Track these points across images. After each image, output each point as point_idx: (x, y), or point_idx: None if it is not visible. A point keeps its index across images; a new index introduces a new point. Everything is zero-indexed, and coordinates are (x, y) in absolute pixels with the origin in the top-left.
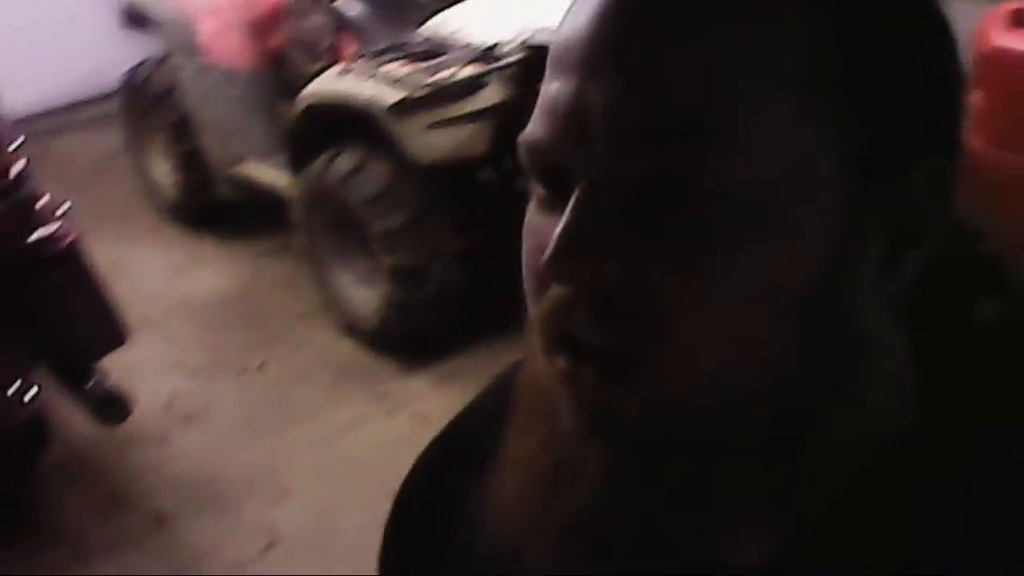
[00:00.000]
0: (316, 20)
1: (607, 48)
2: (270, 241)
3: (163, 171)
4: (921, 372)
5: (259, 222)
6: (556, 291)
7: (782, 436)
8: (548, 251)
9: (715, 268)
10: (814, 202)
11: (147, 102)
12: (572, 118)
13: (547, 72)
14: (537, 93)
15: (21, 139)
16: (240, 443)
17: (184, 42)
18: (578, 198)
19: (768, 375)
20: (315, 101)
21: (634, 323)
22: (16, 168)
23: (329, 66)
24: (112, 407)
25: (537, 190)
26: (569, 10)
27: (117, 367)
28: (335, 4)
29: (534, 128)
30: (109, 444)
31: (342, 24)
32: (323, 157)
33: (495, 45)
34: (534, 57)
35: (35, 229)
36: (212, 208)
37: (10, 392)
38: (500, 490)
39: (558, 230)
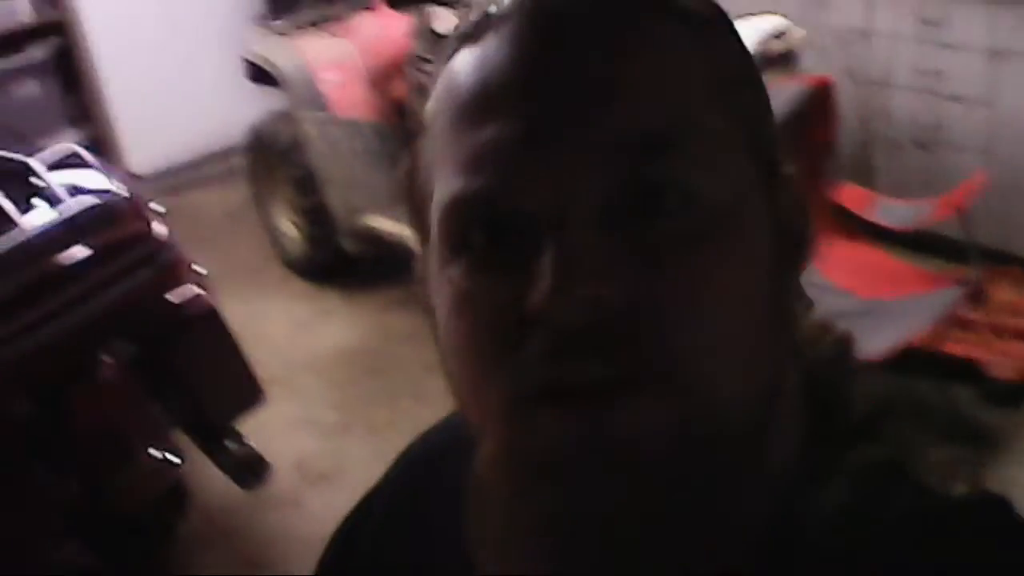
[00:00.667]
0: (438, 70)
1: (552, 77)
2: (394, 293)
3: (288, 225)
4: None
5: (383, 274)
6: (544, 335)
7: (759, 439)
8: (545, 287)
9: (707, 272)
10: (753, 210)
11: (272, 157)
12: (526, 153)
13: (456, 128)
14: None
15: (162, 203)
16: None
17: (307, 96)
18: (558, 229)
19: (753, 379)
20: None
21: (639, 345)
22: (160, 231)
23: None
24: (250, 470)
25: (467, 256)
26: (456, 67)
27: (246, 427)
28: None
29: (469, 181)
30: (243, 508)
31: None
32: None
33: None
34: None
35: (176, 290)
36: (337, 261)
37: (155, 456)
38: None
39: (549, 263)
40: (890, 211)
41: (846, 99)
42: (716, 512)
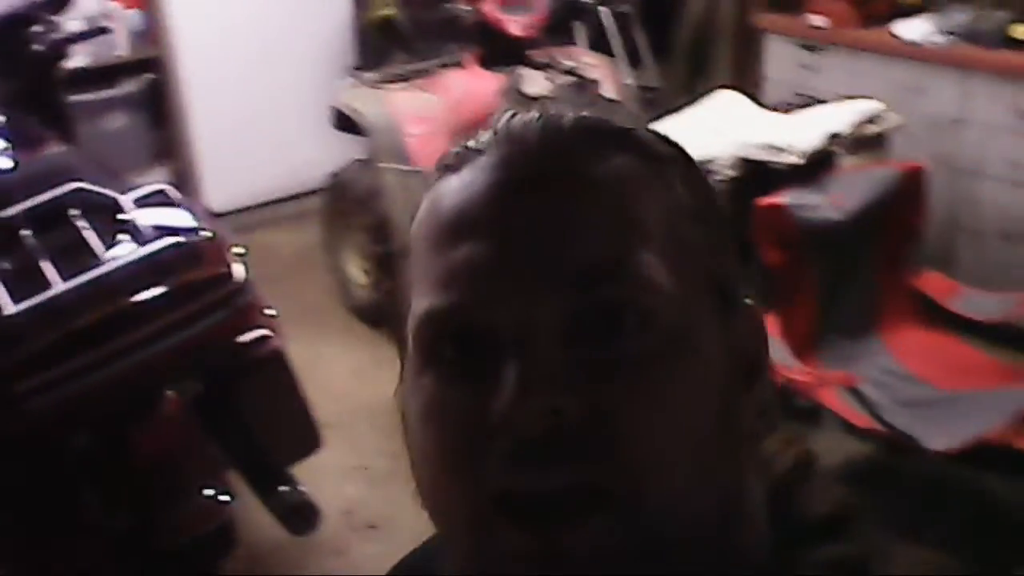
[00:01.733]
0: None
1: (521, 205)
2: None
3: (357, 271)
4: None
5: None
6: (505, 444)
7: (715, 549)
8: (508, 397)
9: (661, 389)
10: (708, 333)
11: (349, 203)
12: (494, 274)
13: (434, 248)
14: (750, 207)
15: (244, 247)
16: None
17: (390, 146)
18: (521, 345)
19: (708, 492)
20: None
21: (598, 454)
22: (239, 274)
23: None
24: (302, 516)
25: (438, 368)
26: (439, 193)
27: (298, 471)
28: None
29: (441, 298)
30: (289, 552)
31: None
32: None
33: (709, 160)
34: (748, 172)
35: (247, 332)
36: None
37: (207, 494)
38: None
39: (512, 376)
40: (973, 302)
41: (935, 187)
42: None
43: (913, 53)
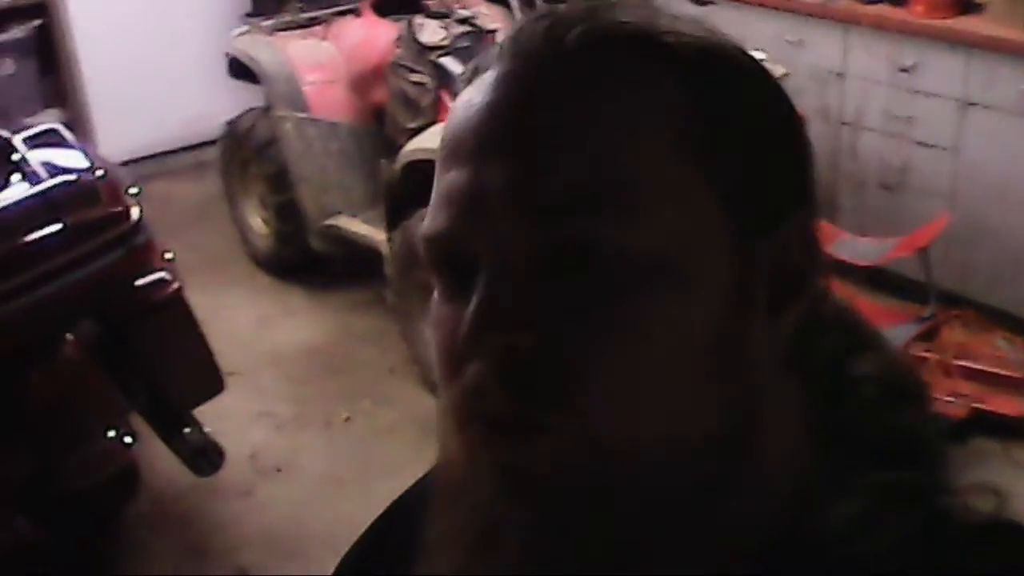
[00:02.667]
0: (419, 77)
1: (499, 133)
2: (360, 295)
3: (258, 221)
4: (809, 423)
5: (349, 276)
6: (470, 371)
7: (699, 485)
8: (463, 329)
9: (623, 329)
10: (705, 262)
11: (247, 151)
12: (471, 202)
13: (439, 167)
14: None
15: (138, 186)
16: (325, 497)
17: (287, 95)
18: (486, 276)
19: (680, 426)
20: (416, 158)
21: (546, 390)
22: (134, 213)
23: (431, 123)
24: (206, 457)
25: (440, 282)
26: (453, 107)
27: (203, 416)
28: (439, 61)
29: (433, 221)
30: (194, 495)
31: (445, 81)
32: (420, 213)
33: None
34: None
35: (145, 275)
36: (304, 260)
37: (110, 437)
38: (428, 568)
39: (471, 308)
40: (852, 247)
41: (817, 138)
42: (627, 548)
43: (796, 7)
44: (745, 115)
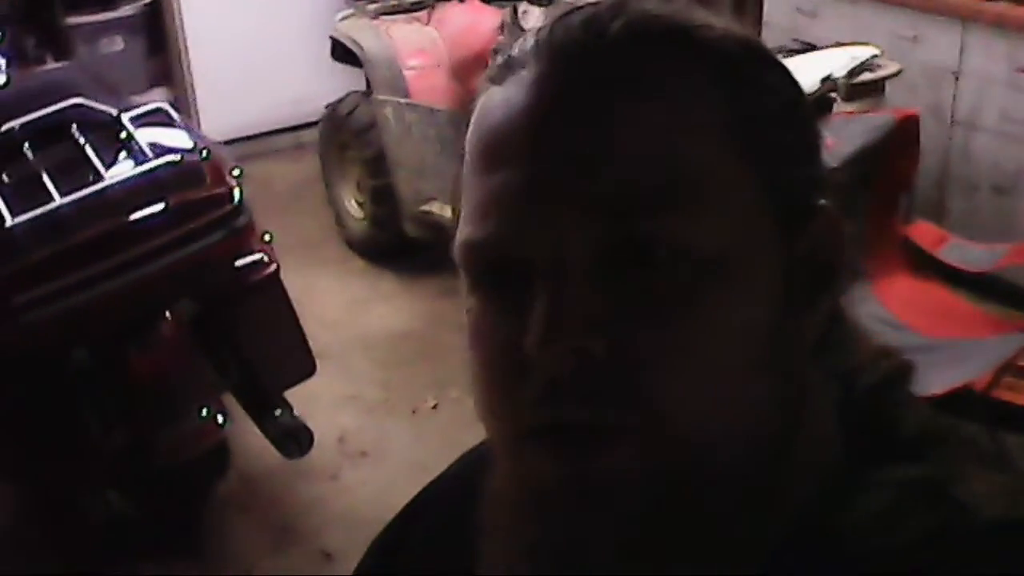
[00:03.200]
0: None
1: (549, 133)
2: (451, 282)
3: (354, 204)
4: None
5: (441, 262)
6: (538, 380)
7: (755, 477)
8: (535, 337)
9: (690, 325)
10: (759, 253)
11: (346, 135)
12: (526, 204)
13: (475, 170)
14: None
15: (240, 168)
16: (410, 482)
17: (389, 79)
18: (549, 279)
19: (745, 418)
20: None
21: (622, 393)
22: (237, 195)
23: None
24: (295, 439)
25: (484, 292)
26: (483, 108)
27: (293, 398)
28: None
29: (480, 226)
30: (281, 476)
31: None
32: None
33: None
34: None
35: (244, 256)
36: (398, 244)
37: (203, 416)
38: None
39: (538, 313)
40: (962, 252)
41: (929, 137)
42: (704, 544)
43: (912, 2)
44: (777, 108)
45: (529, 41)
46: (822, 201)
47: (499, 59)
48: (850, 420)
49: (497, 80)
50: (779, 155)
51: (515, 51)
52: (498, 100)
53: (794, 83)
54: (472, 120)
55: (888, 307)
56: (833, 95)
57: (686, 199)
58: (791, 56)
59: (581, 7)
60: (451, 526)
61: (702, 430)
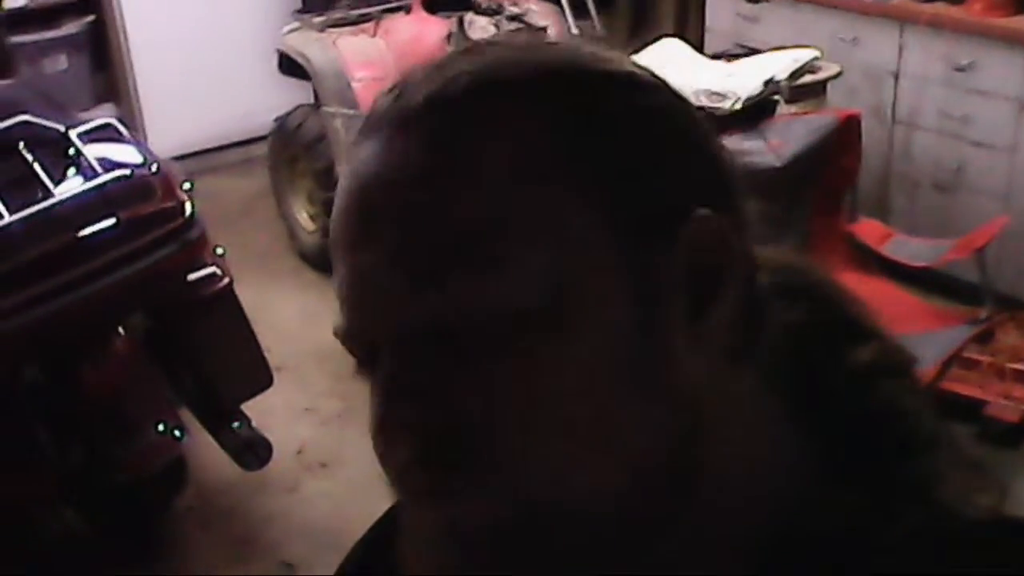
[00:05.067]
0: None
1: (364, 218)
2: None
3: (305, 217)
4: (810, 425)
5: None
6: (390, 455)
7: (642, 519)
8: (373, 422)
9: (518, 383)
10: (594, 291)
11: (296, 148)
12: (357, 291)
13: (331, 246)
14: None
15: (191, 182)
16: (369, 493)
17: (337, 92)
18: (384, 358)
19: (610, 460)
20: None
21: (464, 459)
22: (188, 209)
23: None
24: (253, 452)
25: (366, 376)
26: (348, 166)
27: (250, 411)
28: None
29: (339, 318)
30: (240, 489)
31: None
32: None
33: None
34: None
35: (197, 269)
36: None
37: (159, 431)
38: None
39: (374, 399)
40: (907, 248)
41: (871, 137)
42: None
43: (851, 5)
44: (607, 125)
45: (384, 100)
46: (700, 210)
47: (371, 111)
48: (820, 419)
49: (357, 143)
50: (616, 174)
51: (371, 114)
52: (348, 172)
53: (641, 93)
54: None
55: None
56: (776, 97)
57: (495, 255)
58: (734, 60)
59: (425, 69)
60: None
61: (550, 484)
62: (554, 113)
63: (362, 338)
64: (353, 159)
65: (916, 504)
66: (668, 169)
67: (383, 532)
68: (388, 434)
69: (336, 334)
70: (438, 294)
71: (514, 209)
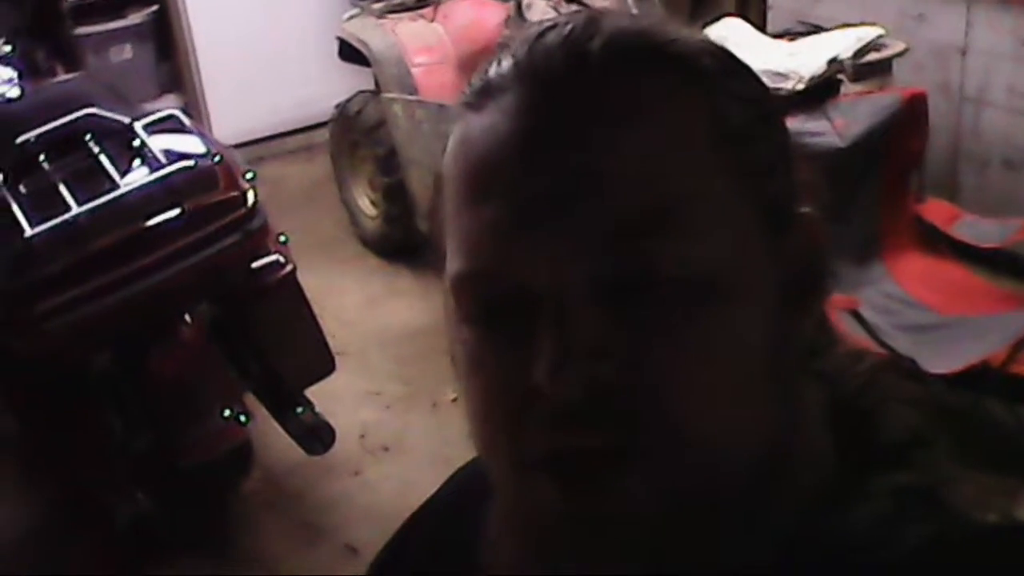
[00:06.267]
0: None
1: (543, 160)
2: None
3: (367, 202)
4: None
5: None
6: (547, 412)
7: (762, 493)
8: (545, 366)
9: (696, 345)
10: (753, 267)
11: (357, 134)
12: (521, 235)
13: (461, 201)
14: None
15: (253, 171)
16: (432, 476)
17: (397, 77)
18: (554, 309)
19: (753, 434)
20: None
21: (635, 416)
22: (251, 198)
23: None
24: (317, 436)
25: (477, 325)
26: (463, 137)
27: (314, 396)
28: None
29: (472, 260)
30: (305, 473)
31: None
32: None
33: None
34: None
35: (261, 257)
36: (412, 241)
37: (225, 416)
38: None
39: (547, 344)
40: (975, 229)
41: (938, 115)
42: (712, 565)
43: None
44: (755, 119)
45: (506, 64)
46: (803, 208)
47: (474, 83)
48: (837, 425)
49: (475, 106)
50: (760, 167)
51: (491, 74)
52: (479, 128)
53: (767, 92)
54: (450, 149)
55: (903, 285)
56: (840, 76)
57: (680, 221)
58: (797, 39)
59: (554, 25)
60: (443, 553)
61: (716, 448)
62: (716, 95)
63: (512, 283)
64: (506, 104)
65: (931, 513)
66: (787, 167)
67: (387, 562)
68: (560, 384)
69: (464, 274)
70: (629, 250)
71: (696, 183)
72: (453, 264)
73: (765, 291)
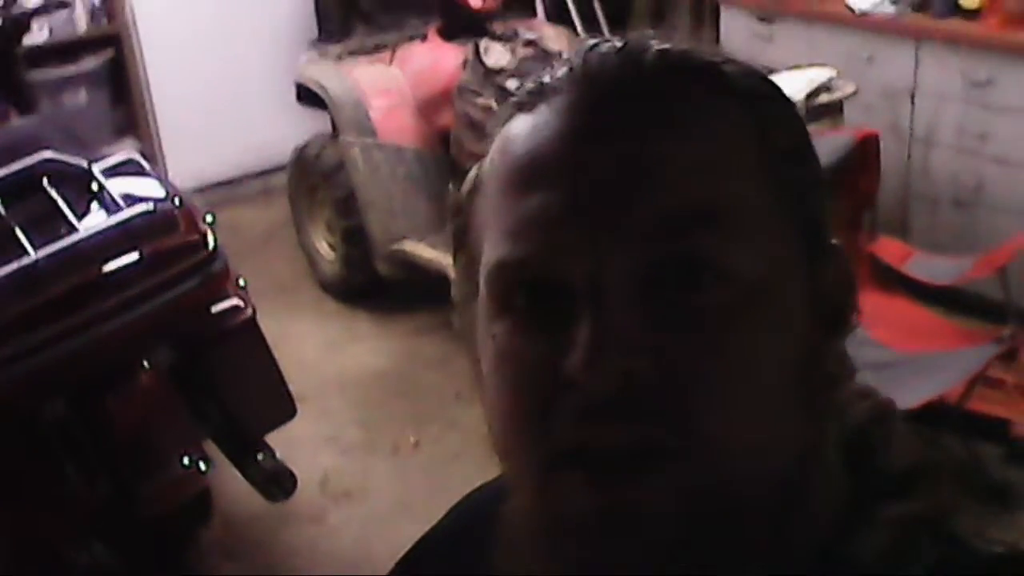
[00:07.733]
0: (485, 100)
1: (593, 155)
2: (425, 319)
3: (325, 246)
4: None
5: (415, 299)
6: (577, 403)
7: (784, 510)
8: (581, 356)
9: (735, 349)
10: (790, 285)
11: (315, 177)
12: (566, 225)
13: (508, 192)
14: None
15: (212, 214)
16: (394, 522)
17: (355, 120)
18: (591, 300)
19: (776, 449)
20: None
21: (668, 414)
22: (211, 241)
23: None
24: (278, 483)
25: (511, 315)
26: (511, 133)
27: (273, 442)
28: (506, 84)
29: (514, 248)
30: (266, 520)
31: None
32: None
33: None
34: None
35: (220, 301)
36: (371, 284)
37: (185, 464)
38: None
39: (585, 335)
40: (928, 266)
41: (889, 155)
42: (735, 572)
43: (865, 23)
44: (793, 145)
45: (560, 69)
46: (833, 241)
47: (528, 86)
48: (847, 454)
49: (527, 107)
50: (801, 191)
51: (545, 78)
52: (529, 126)
53: (803, 121)
54: (497, 146)
55: (860, 324)
56: None
57: (727, 224)
58: None
59: (607, 40)
60: (447, 569)
61: (744, 454)
62: (761, 117)
63: (553, 272)
64: (559, 103)
65: (938, 541)
66: (821, 196)
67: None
68: (594, 376)
69: (507, 261)
70: (677, 244)
71: (744, 193)
72: (494, 252)
73: (801, 312)
